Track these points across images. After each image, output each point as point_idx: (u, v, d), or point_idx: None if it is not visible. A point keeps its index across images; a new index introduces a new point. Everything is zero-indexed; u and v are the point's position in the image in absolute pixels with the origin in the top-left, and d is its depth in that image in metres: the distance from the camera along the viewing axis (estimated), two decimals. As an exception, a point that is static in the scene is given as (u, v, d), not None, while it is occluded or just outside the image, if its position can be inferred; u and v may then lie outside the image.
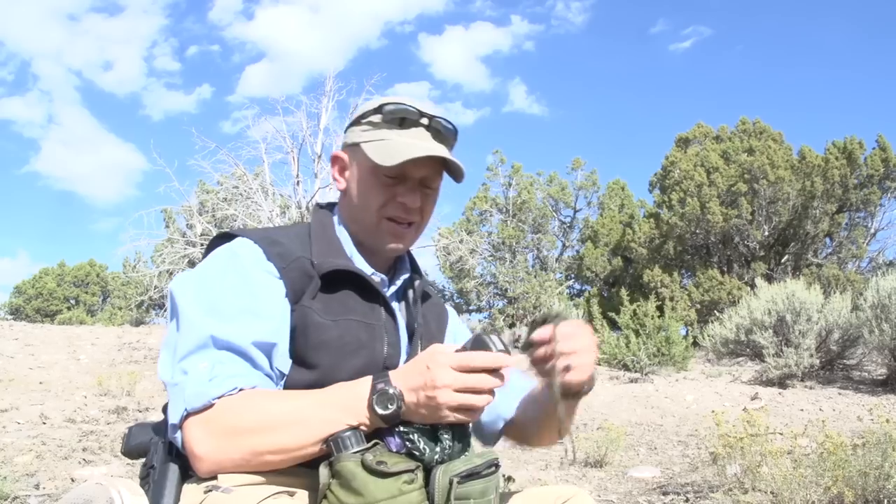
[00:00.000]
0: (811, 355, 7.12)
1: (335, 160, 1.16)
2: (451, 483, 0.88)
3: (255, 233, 1.07)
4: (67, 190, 45.92)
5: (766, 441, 2.98)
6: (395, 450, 0.90)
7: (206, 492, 0.88)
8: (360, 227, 1.12)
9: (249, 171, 9.83)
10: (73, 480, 3.24)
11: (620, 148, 42.90)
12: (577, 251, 22.12)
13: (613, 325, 9.13)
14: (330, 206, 1.20)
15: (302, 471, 0.93)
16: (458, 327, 1.30)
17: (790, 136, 23.63)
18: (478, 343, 0.91)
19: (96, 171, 45.95)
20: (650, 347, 8.11)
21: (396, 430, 0.91)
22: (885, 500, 2.62)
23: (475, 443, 1.08)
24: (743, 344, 8.12)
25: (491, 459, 0.94)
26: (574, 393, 1.02)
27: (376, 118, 1.09)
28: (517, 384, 1.21)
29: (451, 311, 1.31)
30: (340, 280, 1.04)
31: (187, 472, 0.95)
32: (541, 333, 0.99)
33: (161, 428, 1.02)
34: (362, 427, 0.90)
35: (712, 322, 9.09)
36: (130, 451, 1.06)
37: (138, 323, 18.13)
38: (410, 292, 1.17)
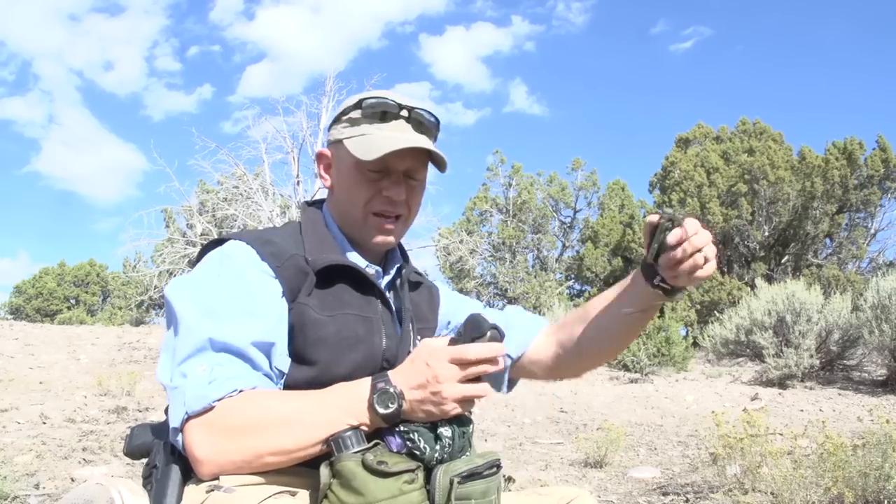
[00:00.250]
0: (811, 356, 7.12)
1: (320, 158, 1.17)
2: (451, 483, 0.88)
3: (248, 234, 1.07)
4: (68, 190, 45.91)
5: (766, 442, 2.98)
6: (395, 449, 0.90)
7: (208, 491, 0.88)
8: (348, 223, 1.13)
9: (250, 171, 9.84)
10: (73, 480, 3.24)
11: (620, 148, 42.89)
12: (578, 251, 22.13)
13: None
14: (318, 204, 1.21)
15: (303, 470, 0.93)
16: (451, 300, 1.31)
17: (790, 137, 23.65)
18: (471, 324, 0.93)
19: (97, 171, 45.95)
20: (650, 348, 8.11)
21: (397, 429, 0.91)
22: (886, 501, 2.62)
23: (476, 443, 1.08)
24: (743, 344, 8.12)
25: (492, 460, 0.94)
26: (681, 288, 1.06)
27: (356, 114, 1.10)
28: (526, 323, 1.27)
29: (441, 287, 1.32)
30: (335, 275, 1.05)
31: (189, 473, 0.95)
32: (676, 235, 0.98)
33: (163, 429, 1.02)
34: (363, 427, 0.90)
35: (712, 322, 9.09)
36: (133, 452, 1.06)
37: (138, 323, 18.14)
38: (398, 280, 1.18)
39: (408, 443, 0.90)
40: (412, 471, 0.86)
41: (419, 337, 1.12)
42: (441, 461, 0.90)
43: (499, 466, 0.94)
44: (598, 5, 40.39)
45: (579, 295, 21.21)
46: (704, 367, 9.13)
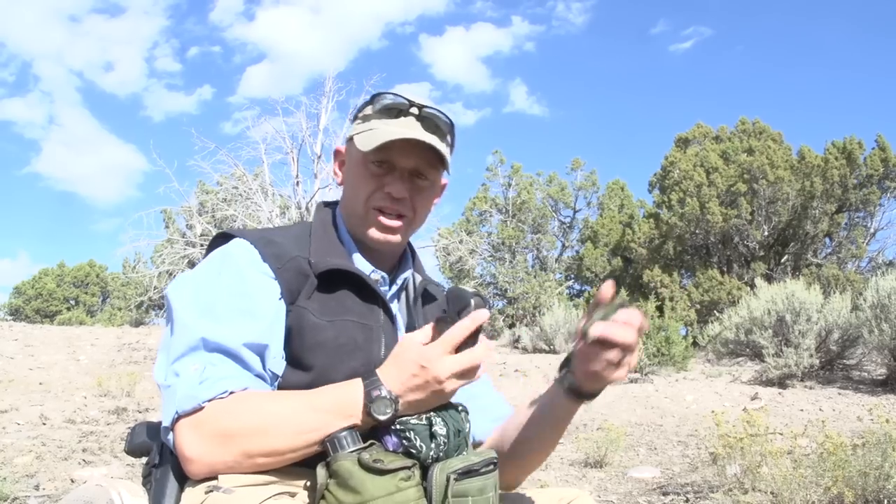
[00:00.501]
0: (811, 355, 7.12)
1: (336, 154, 1.17)
2: (448, 480, 0.88)
3: (253, 233, 1.06)
4: (68, 191, 45.93)
5: (765, 441, 2.98)
6: (392, 448, 0.90)
7: (206, 492, 0.88)
8: (352, 219, 1.11)
9: (249, 171, 9.84)
10: (72, 481, 3.24)
11: (620, 148, 42.96)
12: (577, 251, 22.14)
13: (613, 326, 9.11)
14: (334, 205, 1.19)
15: (302, 471, 0.93)
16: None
17: (790, 136, 23.68)
18: (454, 297, 0.92)
19: (97, 171, 45.93)
20: (650, 347, 8.11)
21: (392, 428, 0.91)
22: (886, 501, 2.62)
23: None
24: (743, 344, 8.11)
25: (489, 458, 0.93)
26: (591, 393, 1.03)
27: (369, 110, 1.09)
28: (490, 409, 1.18)
29: None
30: (338, 280, 1.04)
31: None
32: (619, 317, 0.93)
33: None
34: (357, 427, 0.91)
35: (712, 322, 9.09)
36: (133, 450, 1.07)
37: (138, 323, 18.14)
38: (411, 290, 1.15)
39: (404, 441, 0.90)
40: (408, 468, 0.86)
41: None
42: (437, 459, 0.90)
43: (496, 464, 0.94)
44: (597, 5, 40.44)
45: (579, 295, 21.22)
46: (704, 367, 9.13)
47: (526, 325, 15.91)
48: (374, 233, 1.08)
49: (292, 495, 0.90)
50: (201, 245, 9.29)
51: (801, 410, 5.72)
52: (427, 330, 0.93)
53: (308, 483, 0.93)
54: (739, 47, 39.83)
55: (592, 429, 4.95)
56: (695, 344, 10.00)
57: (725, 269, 16.25)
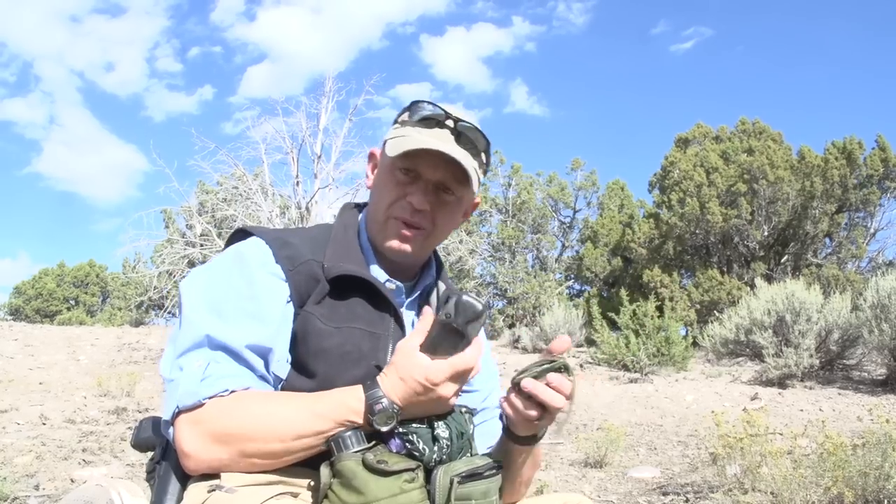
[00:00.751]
0: (811, 355, 7.12)
1: (370, 157, 1.16)
2: (452, 483, 0.88)
3: (270, 233, 1.06)
4: (69, 191, 45.96)
5: (765, 441, 2.98)
6: (395, 450, 0.90)
7: (209, 491, 0.88)
8: (372, 226, 1.10)
9: (249, 171, 9.83)
10: (72, 481, 3.24)
11: (620, 148, 42.99)
12: (577, 251, 22.12)
13: (613, 326, 9.13)
14: (360, 207, 1.18)
15: (305, 471, 0.93)
16: (486, 358, 1.19)
17: (790, 136, 23.67)
18: (465, 307, 0.89)
19: (98, 172, 45.98)
20: (650, 348, 8.10)
21: (396, 431, 0.91)
22: (886, 501, 2.62)
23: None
24: (743, 344, 8.11)
25: (493, 462, 0.94)
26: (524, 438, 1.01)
27: (406, 117, 1.08)
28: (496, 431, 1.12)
29: (483, 339, 1.16)
30: (351, 286, 1.02)
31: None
32: (554, 379, 0.92)
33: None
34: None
35: (712, 322, 9.08)
36: (139, 444, 1.07)
37: (138, 323, 18.14)
38: (434, 300, 1.13)
39: (407, 444, 0.90)
40: (412, 470, 0.87)
41: None
42: (440, 461, 0.91)
43: (500, 468, 0.94)
44: (598, 6, 40.47)
45: (579, 295, 21.20)
46: (704, 367, 9.12)
47: (526, 326, 15.92)
48: (388, 242, 1.07)
49: (294, 495, 0.91)
50: (201, 245, 9.28)
51: (801, 410, 5.72)
52: (423, 329, 0.93)
53: (311, 483, 0.93)
54: (740, 47, 39.89)
55: (592, 429, 4.95)
56: (695, 344, 10.00)
57: (725, 270, 16.24)
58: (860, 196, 16.33)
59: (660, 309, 9.89)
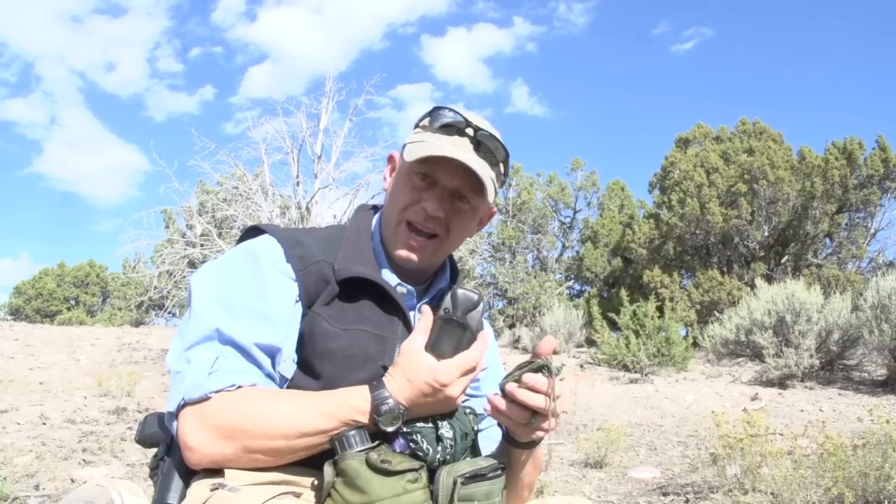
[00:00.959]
0: (811, 356, 7.12)
1: (389, 160, 1.16)
2: (455, 483, 0.88)
3: (282, 232, 1.06)
4: (69, 191, 45.98)
5: (766, 442, 2.98)
6: (398, 450, 0.91)
7: (212, 489, 0.88)
8: (385, 230, 1.10)
9: (249, 171, 9.82)
10: (72, 481, 3.24)
11: (621, 148, 42.99)
12: (577, 252, 22.12)
13: (613, 326, 9.13)
14: (376, 209, 1.18)
15: (308, 470, 0.93)
16: (490, 352, 1.16)
17: (790, 137, 23.66)
18: (463, 300, 0.93)
19: (98, 172, 46.02)
20: (650, 348, 8.10)
21: (400, 431, 0.91)
22: (886, 501, 2.62)
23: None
24: (743, 344, 8.11)
25: (496, 463, 0.94)
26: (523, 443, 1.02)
27: (427, 122, 1.08)
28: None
29: (489, 331, 1.16)
30: (360, 288, 1.02)
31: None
32: (536, 382, 0.92)
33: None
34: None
35: (712, 322, 9.08)
36: (144, 440, 1.07)
37: (138, 324, 18.15)
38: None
39: (411, 444, 0.90)
40: (416, 470, 0.87)
41: None
42: (444, 462, 0.91)
43: (503, 469, 0.94)
44: (599, 6, 40.50)
45: (579, 295, 21.20)
46: (704, 368, 9.12)
47: (526, 326, 15.92)
48: (396, 251, 1.07)
49: (297, 495, 0.91)
50: (201, 245, 9.28)
51: (802, 411, 5.72)
52: (424, 328, 0.94)
53: (314, 482, 0.93)
54: (740, 48, 39.90)
55: (592, 429, 4.94)
56: (695, 344, 10.00)
57: (725, 270, 16.24)
58: (860, 196, 16.32)
59: (660, 309, 9.89)
